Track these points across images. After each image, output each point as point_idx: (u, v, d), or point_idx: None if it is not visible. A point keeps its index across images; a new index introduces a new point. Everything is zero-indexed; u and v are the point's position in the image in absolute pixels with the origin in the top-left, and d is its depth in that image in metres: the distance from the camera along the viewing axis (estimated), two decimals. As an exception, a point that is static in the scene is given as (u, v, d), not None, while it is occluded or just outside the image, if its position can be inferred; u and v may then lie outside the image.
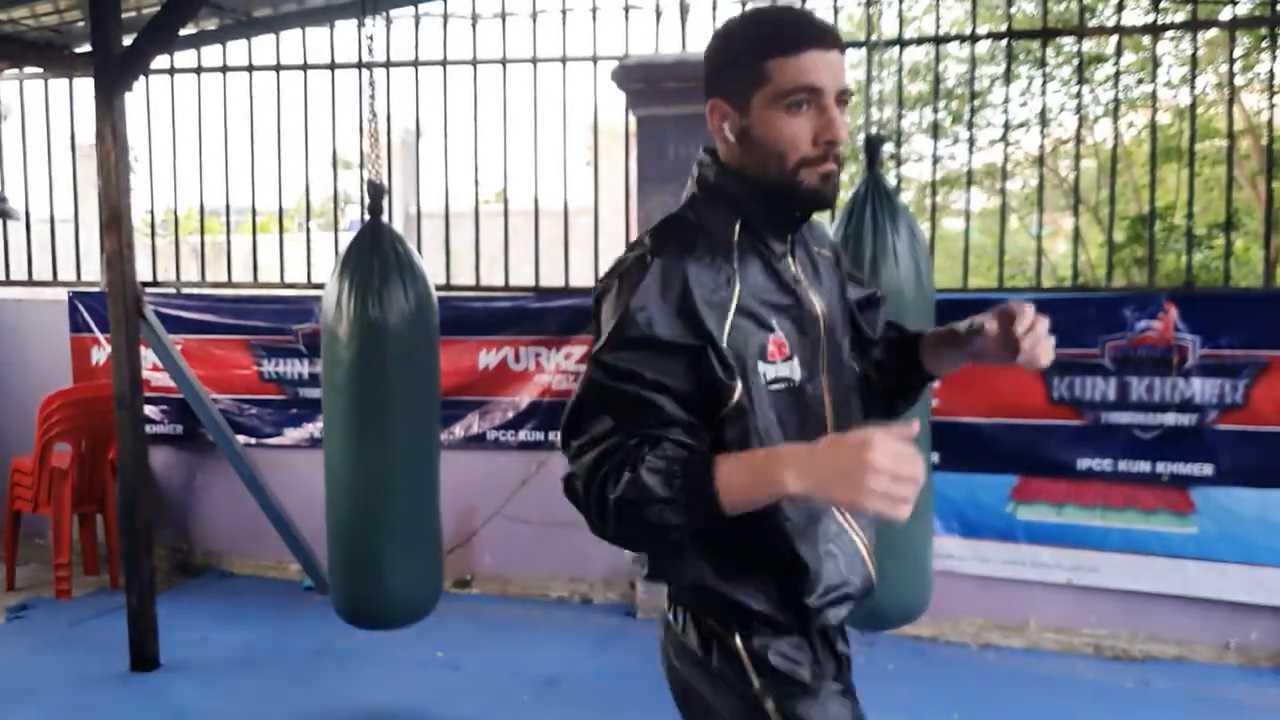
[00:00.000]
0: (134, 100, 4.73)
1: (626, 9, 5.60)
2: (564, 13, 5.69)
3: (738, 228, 1.79)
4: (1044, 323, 1.86)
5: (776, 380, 1.76)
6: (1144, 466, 4.78)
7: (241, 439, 5.85)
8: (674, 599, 1.95)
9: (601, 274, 1.82)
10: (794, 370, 1.78)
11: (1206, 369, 4.68)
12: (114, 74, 4.54)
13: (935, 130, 5.56)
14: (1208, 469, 4.71)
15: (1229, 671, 4.76)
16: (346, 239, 3.99)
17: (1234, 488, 4.69)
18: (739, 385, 1.71)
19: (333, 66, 5.99)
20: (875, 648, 5.01)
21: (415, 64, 5.91)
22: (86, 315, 6.28)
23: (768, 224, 1.82)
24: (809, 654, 1.87)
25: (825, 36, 1.72)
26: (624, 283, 1.72)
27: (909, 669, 4.84)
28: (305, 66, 6.04)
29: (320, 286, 5.67)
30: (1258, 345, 4.63)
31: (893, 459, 1.46)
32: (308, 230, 6.21)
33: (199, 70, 6.20)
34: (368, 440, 3.72)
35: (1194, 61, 5.37)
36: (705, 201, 1.84)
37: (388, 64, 5.81)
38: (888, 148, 5.32)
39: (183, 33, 4.98)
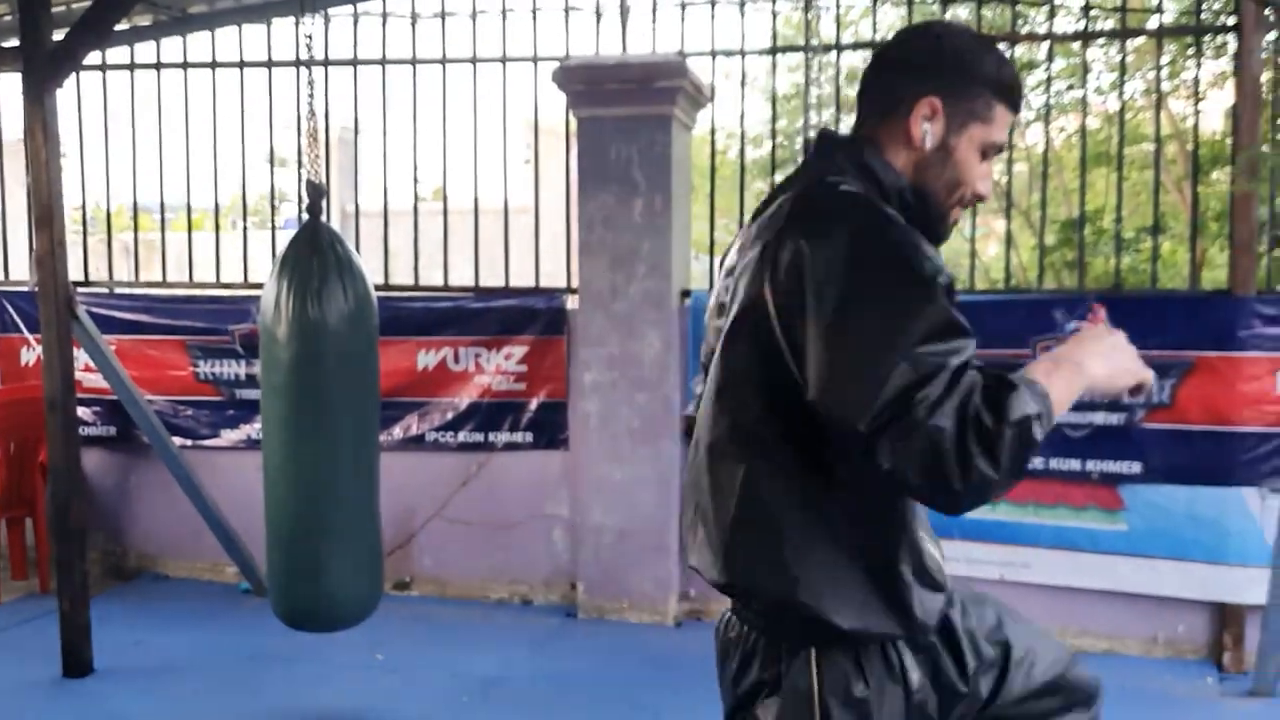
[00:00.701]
0: (65, 96, 4.65)
1: (567, 10, 5.60)
2: (504, 13, 5.69)
3: None
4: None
5: None
6: (1074, 464, 4.88)
7: (177, 440, 5.77)
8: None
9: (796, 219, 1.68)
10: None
11: (1135, 370, 4.78)
12: (44, 70, 4.45)
13: (872, 134, 5.63)
14: (1136, 467, 4.82)
15: (1157, 664, 4.88)
16: (283, 238, 3.96)
17: (1162, 485, 4.81)
18: None
19: (270, 64, 5.93)
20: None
21: (354, 63, 5.87)
22: (15, 315, 6.16)
23: None
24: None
25: (1020, 99, 1.82)
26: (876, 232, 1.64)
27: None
28: (242, 64, 5.97)
29: (257, 286, 5.62)
30: (1184, 346, 4.74)
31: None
32: (244, 229, 6.15)
33: (132, 67, 6.10)
34: (307, 441, 3.69)
35: (1123, 68, 5.50)
36: (856, 179, 1.76)
37: (326, 62, 5.76)
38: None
39: (116, 28, 4.91)
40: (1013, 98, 1.79)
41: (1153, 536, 4.83)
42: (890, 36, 1.97)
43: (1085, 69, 5.57)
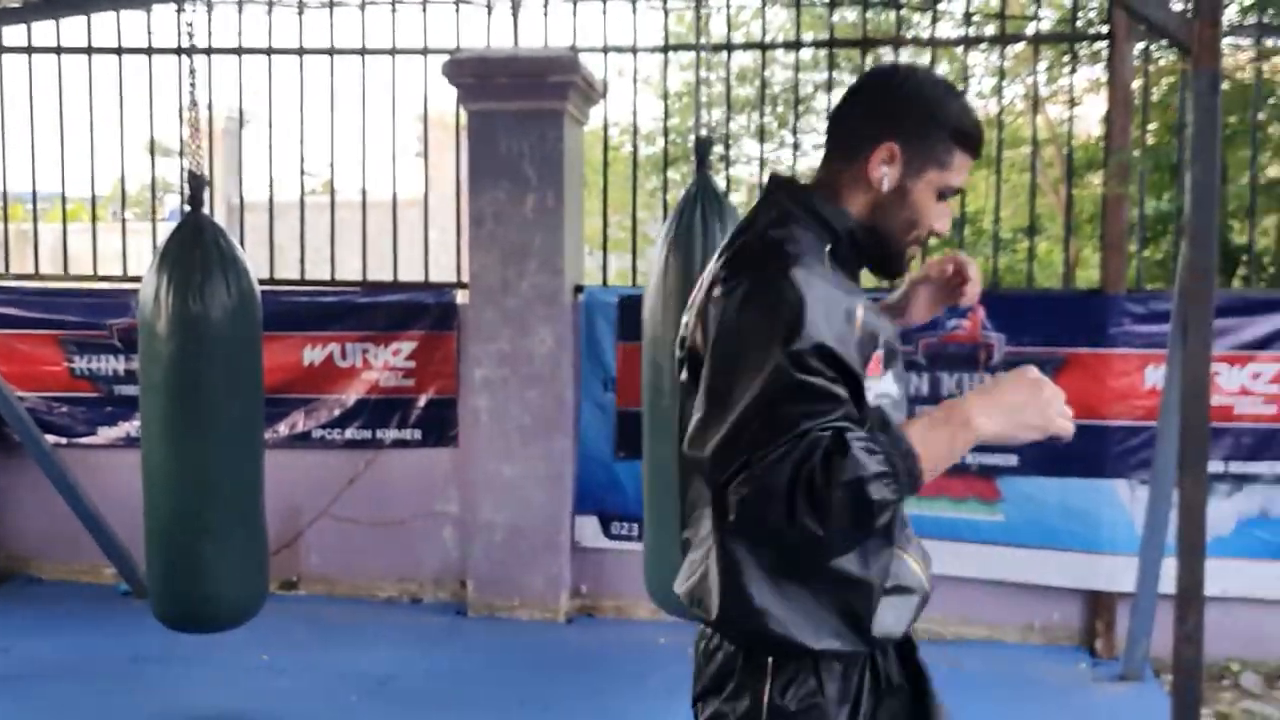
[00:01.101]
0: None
1: (458, 2, 5.56)
2: (394, 4, 5.62)
3: (827, 251, 1.79)
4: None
5: (882, 395, 1.78)
6: (955, 457, 5.01)
7: (51, 439, 5.59)
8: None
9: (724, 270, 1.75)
10: (892, 387, 1.82)
11: (1011, 365, 4.90)
12: (-91, 53, 4.28)
13: (762, 133, 5.74)
14: (1013, 459, 4.97)
15: (1034, 651, 5.04)
16: (165, 230, 3.87)
17: (1037, 477, 4.97)
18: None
19: (149, 51, 5.77)
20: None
21: (239, 51, 5.75)
22: (-123, 308, 5.90)
23: (847, 260, 1.82)
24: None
25: (980, 144, 1.85)
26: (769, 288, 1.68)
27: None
28: (120, 50, 5.80)
29: (137, 280, 5.47)
30: (1057, 343, 4.91)
31: (1052, 386, 1.70)
32: (123, 220, 5.97)
33: (1, 50, 5.88)
34: (188, 439, 3.62)
35: (1001, 73, 5.66)
36: (803, 223, 1.80)
37: (209, 50, 5.63)
38: (717, 149, 5.44)
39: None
40: (972, 144, 1.83)
41: (1029, 527, 4.99)
42: (860, 77, 2.00)
43: (966, 74, 5.74)
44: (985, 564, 5.05)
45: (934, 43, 5.64)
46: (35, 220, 6.10)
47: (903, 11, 5.54)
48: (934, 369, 4.99)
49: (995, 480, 5.00)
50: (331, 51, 5.70)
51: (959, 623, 5.14)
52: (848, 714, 1.79)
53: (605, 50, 5.58)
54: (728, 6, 5.54)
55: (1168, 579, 4.10)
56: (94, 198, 6.10)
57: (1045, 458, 4.94)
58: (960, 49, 6.01)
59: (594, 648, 5.08)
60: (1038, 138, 5.55)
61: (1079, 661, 4.94)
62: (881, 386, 1.76)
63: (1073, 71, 5.46)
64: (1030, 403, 1.72)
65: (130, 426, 5.65)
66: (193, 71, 3.90)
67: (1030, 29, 5.91)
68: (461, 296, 5.54)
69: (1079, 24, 5.44)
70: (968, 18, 5.44)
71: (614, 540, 5.42)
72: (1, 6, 5.18)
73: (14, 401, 5.37)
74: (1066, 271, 5.53)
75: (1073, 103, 5.52)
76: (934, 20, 5.52)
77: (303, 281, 5.79)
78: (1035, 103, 5.76)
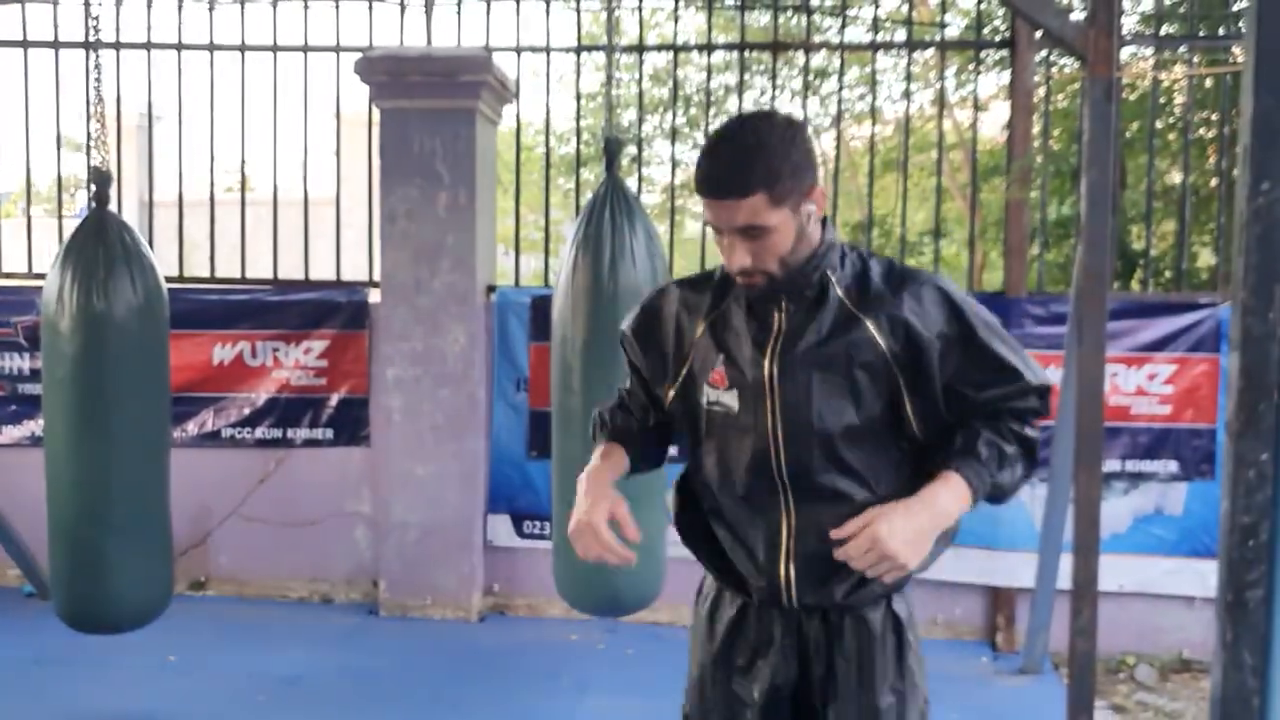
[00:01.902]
0: None
1: (370, 0, 5.54)
2: (306, 1, 5.58)
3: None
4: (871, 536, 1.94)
5: (715, 404, 2.10)
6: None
7: (-49, 438, 5.46)
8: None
9: None
10: (734, 400, 2.08)
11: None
12: None
13: (674, 135, 5.78)
14: (919, 457, 5.07)
15: (938, 645, 5.14)
16: (72, 226, 3.81)
17: (941, 474, 5.08)
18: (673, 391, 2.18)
19: (56, 45, 5.66)
20: (617, 634, 5.16)
21: (148, 46, 5.66)
22: None
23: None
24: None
25: (711, 187, 1.96)
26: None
27: (648, 653, 5.01)
28: (25, 44, 5.68)
29: (43, 277, 5.37)
30: (962, 343, 5.02)
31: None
32: (28, 217, 5.84)
33: (-101, 42, 5.74)
34: (92, 438, 3.57)
35: (909, 79, 5.78)
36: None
37: (117, 45, 5.55)
38: (629, 150, 5.49)
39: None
40: (699, 187, 2.00)
41: (933, 523, 5.09)
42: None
43: (875, 79, 5.85)
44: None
45: (844, 47, 5.75)
46: (-66, 215, 5.95)
47: (813, 16, 5.64)
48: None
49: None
50: (243, 48, 5.64)
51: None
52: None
53: (519, 50, 5.60)
54: (640, 8, 5.59)
55: (1065, 575, 4.22)
56: (-4, 193, 5.96)
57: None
58: (869, 53, 6.11)
59: (506, 646, 5.09)
60: (944, 142, 5.68)
61: (981, 655, 5.07)
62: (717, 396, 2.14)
63: (976, 78, 5.60)
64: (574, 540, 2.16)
65: (35, 425, 5.54)
66: (98, 66, 3.84)
67: (937, 36, 6.06)
68: (374, 295, 5.52)
69: (984, 32, 5.57)
70: (876, 23, 5.55)
71: (526, 539, 5.44)
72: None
73: (-89, 401, 5.24)
74: (971, 274, 5.67)
75: (978, 108, 5.66)
76: (844, 25, 5.63)
77: (213, 280, 5.72)
78: (942, 108, 5.88)
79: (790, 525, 2.08)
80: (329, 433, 5.57)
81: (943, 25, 5.72)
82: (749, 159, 1.92)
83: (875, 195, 5.81)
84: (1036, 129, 5.25)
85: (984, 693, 4.73)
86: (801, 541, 2.08)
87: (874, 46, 5.67)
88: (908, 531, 1.90)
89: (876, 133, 5.71)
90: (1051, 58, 5.60)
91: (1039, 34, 4.87)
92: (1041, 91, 5.38)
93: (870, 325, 2.03)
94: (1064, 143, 6.52)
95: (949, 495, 1.98)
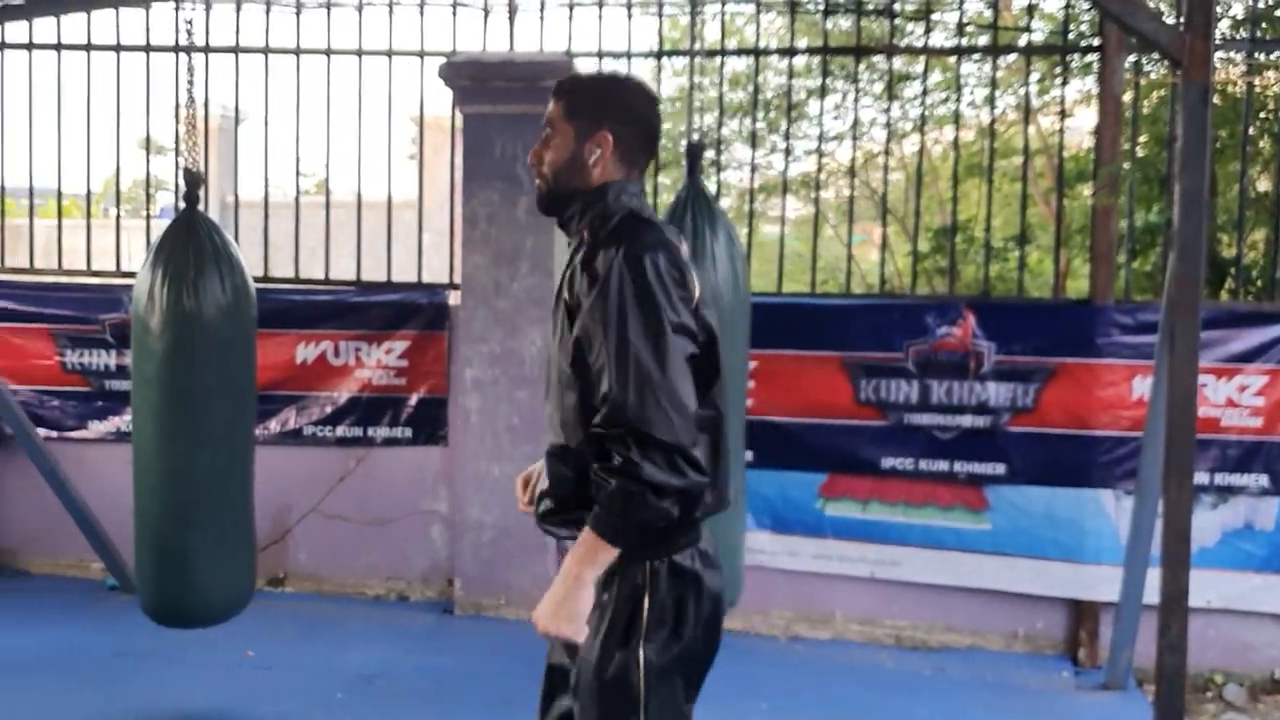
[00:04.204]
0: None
1: (454, 6, 5.59)
2: (390, 6, 5.64)
3: None
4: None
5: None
6: (942, 465, 5.05)
7: (42, 432, 5.60)
8: None
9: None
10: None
11: (1000, 374, 4.97)
12: (-93, 46, 4.29)
13: (754, 139, 5.77)
14: (1000, 468, 5.00)
15: (1018, 659, 5.07)
16: (158, 226, 3.88)
17: (1024, 486, 5.00)
18: None
19: (148, 49, 5.79)
20: (689, 641, 5.13)
21: (236, 50, 5.76)
22: None
23: None
24: None
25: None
26: None
27: (719, 661, 4.95)
28: (119, 48, 5.81)
29: (130, 275, 5.48)
30: (1047, 352, 4.94)
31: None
32: (118, 217, 5.97)
33: (2, 46, 5.90)
34: (179, 434, 3.63)
35: (994, 84, 5.70)
36: None
37: (206, 49, 5.65)
38: (708, 154, 5.46)
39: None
40: None
41: (1015, 535, 5.02)
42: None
43: (959, 83, 5.77)
44: (970, 572, 5.08)
45: (928, 51, 5.68)
46: (31, 216, 6.11)
47: (897, 20, 5.57)
48: (923, 377, 5.02)
49: (983, 489, 5.03)
50: (328, 52, 5.71)
51: (943, 630, 5.17)
52: None
53: (600, 55, 5.61)
54: (722, 13, 5.57)
55: (1152, 589, 4.12)
56: (89, 194, 6.12)
57: (1033, 467, 4.98)
58: (953, 59, 6.03)
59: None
60: (1029, 148, 5.58)
61: (1062, 670, 4.97)
62: None
63: (1063, 83, 5.50)
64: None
65: (120, 421, 5.67)
66: (190, 69, 3.91)
67: (1023, 40, 5.96)
68: (454, 297, 5.56)
69: (1071, 36, 5.47)
70: (961, 28, 5.48)
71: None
72: (3, 4, 5.18)
73: (7, 395, 5.38)
74: (1056, 281, 5.56)
75: (1064, 114, 5.56)
76: (928, 30, 5.55)
77: (297, 280, 5.80)
78: (1027, 114, 5.79)
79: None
80: (408, 432, 5.63)
81: (1029, 30, 5.62)
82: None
83: (953, 201, 5.72)
84: (1124, 135, 5.13)
85: (1065, 708, 4.64)
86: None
87: (958, 51, 5.60)
88: (547, 611, 2.07)
89: (957, 138, 5.63)
90: (1141, 62, 5.46)
91: (1130, 38, 4.77)
92: (1129, 96, 5.25)
93: (565, 273, 2.18)
94: (1151, 149, 6.37)
95: (580, 550, 2.05)
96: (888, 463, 5.08)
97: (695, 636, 2.17)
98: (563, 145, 2.21)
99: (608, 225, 2.14)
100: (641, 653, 2.11)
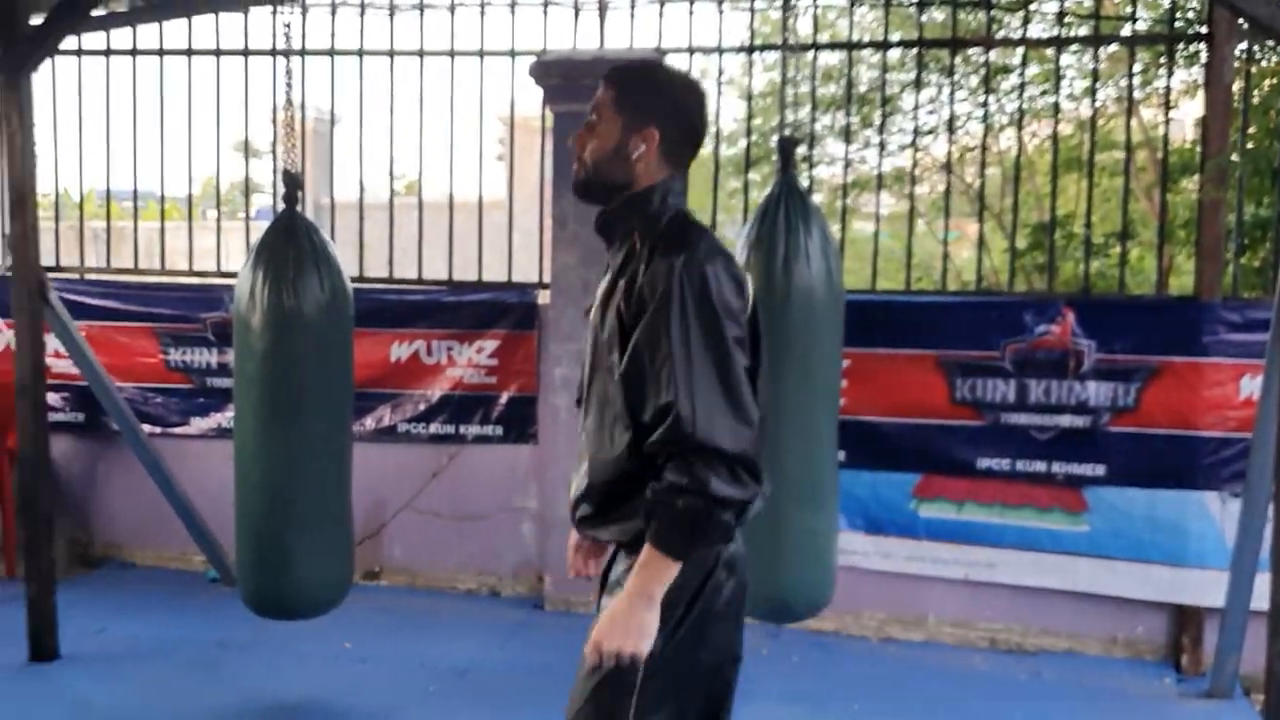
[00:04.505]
0: (39, 81, 4.62)
1: (545, 5, 5.61)
2: (482, 6, 5.69)
3: None
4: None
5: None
6: (1040, 466, 4.94)
7: (146, 428, 5.75)
8: None
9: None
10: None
11: (1101, 373, 4.85)
12: (20, 55, 4.43)
13: (847, 134, 5.68)
14: (1100, 469, 4.88)
15: (1117, 664, 4.95)
16: (255, 227, 3.96)
17: (1124, 488, 4.87)
18: None
19: (246, 53, 5.91)
20: (780, 640, 5.11)
21: (331, 53, 5.86)
22: (-16, 299, 6.11)
23: None
24: None
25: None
26: None
27: (812, 661, 4.94)
28: (218, 52, 5.94)
29: (230, 275, 5.60)
30: (1149, 350, 4.81)
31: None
32: (218, 218, 6.11)
33: (108, 53, 6.07)
34: (280, 431, 3.70)
35: (1095, 75, 5.55)
36: None
37: (303, 52, 5.75)
38: (800, 150, 5.41)
39: (92, 13, 4.87)
40: None
41: (1114, 538, 4.90)
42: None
43: (1058, 75, 5.64)
44: (1068, 575, 4.97)
45: (1025, 43, 5.56)
46: (135, 218, 6.28)
47: (994, 11, 5.46)
48: (1021, 376, 4.92)
49: (1081, 490, 4.92)
50: (421, 53, 5.78)
51: (1040, 633, 5.07)
52: None
53: (690, 51, 5.58)
54: (815, 6, 5.51)
55: (1259, 595, 4.00)
56: (190, 196, 6.27)
57: (1134, 468, 4.85)
58: (1052, 50, 5.89)
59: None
60: (1131, 141, 5.43)
61: (1163, 676, 4.84)
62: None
63: (1169, 73, 5.33)
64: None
65: (221, 417, 5.80)
66: (289, 72, 3.97)
67: (1125, 30, 5.80)
68: (543, 297, 5.59)
69: (1177, 24, 5.31)
70: (1061, 18, 5.34)
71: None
72: (109, 11, 5.33)
73: (113, 392, 5.52)
74: (1160, 278, 5.40)
75: (1169, 106, 5.39)
76: (1025, 20, 5.43)
77: (391, 280, 5.88)
78: (1129, 105, 5.63)
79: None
80: (499, 430, 5.67)
81: (1133, 19, 5.47)
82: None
83: (1051, 196, 5.59)
84: (1233, 125, 4.97)
85: (1168, 716, 4.52)
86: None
87: (1058, 42, 5.46)
88: (613, 626, 2.04)
89: (1056, 132, 5.50)
90: (1254, 50, 5.27)
91: (1242, 24, 4.62)
92: (1238, 85, 5.08)
93: (614, 278, 2.15)
94: (1261, 139, 6.16)
95: (647, 570, 2.03)
96: (984, 463, 4.99)
97: (720, 635, 2.19)
98: (608, 135, 2.19)
99: (658, 229, 2.12)
100: (658, 648, 2.09)
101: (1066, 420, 4.90)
